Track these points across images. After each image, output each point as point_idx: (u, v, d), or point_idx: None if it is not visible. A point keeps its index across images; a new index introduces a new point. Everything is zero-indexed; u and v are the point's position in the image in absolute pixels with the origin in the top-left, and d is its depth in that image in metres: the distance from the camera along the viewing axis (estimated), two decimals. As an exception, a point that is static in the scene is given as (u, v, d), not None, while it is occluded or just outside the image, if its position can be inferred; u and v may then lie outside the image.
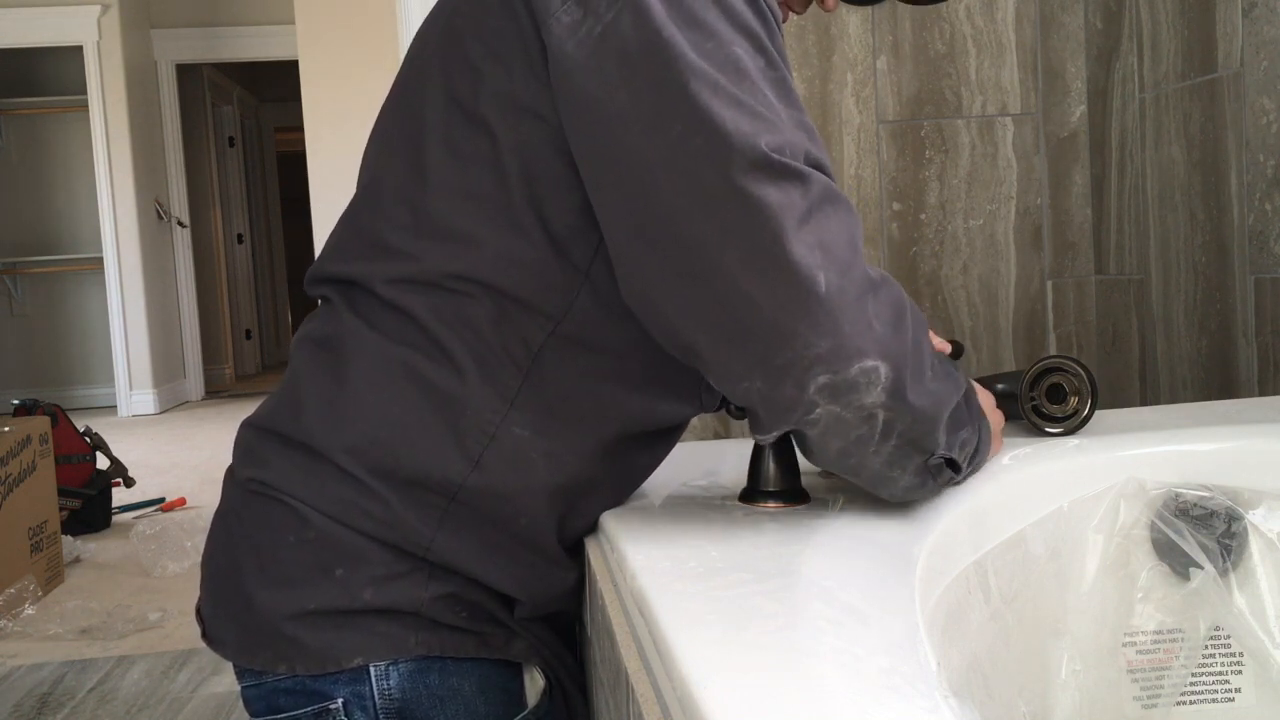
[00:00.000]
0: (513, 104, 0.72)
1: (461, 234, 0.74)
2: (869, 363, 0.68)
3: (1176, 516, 0.93)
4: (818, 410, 0.69)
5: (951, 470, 0.80)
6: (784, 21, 0.77)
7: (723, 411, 0.85)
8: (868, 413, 0.70)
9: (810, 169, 0.67)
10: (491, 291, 0.74)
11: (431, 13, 0.81)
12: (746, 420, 0.80)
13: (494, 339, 0.75)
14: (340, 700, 0.77)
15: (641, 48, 0.66)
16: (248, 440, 0.82)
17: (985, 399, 0.91)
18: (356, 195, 0.82)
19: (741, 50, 0.67)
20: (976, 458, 0.84)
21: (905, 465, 0.76)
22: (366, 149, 0.84)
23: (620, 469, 0.83)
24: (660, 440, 0.85)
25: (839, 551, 0.71)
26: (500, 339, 0.75)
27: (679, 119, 0.65)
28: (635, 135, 0.66)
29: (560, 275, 0.74)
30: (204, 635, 0.82)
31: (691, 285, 0.67)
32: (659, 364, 0.77)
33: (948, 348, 0.94)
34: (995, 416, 0.92)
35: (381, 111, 0.83)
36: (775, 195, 0.64)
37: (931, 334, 0.96)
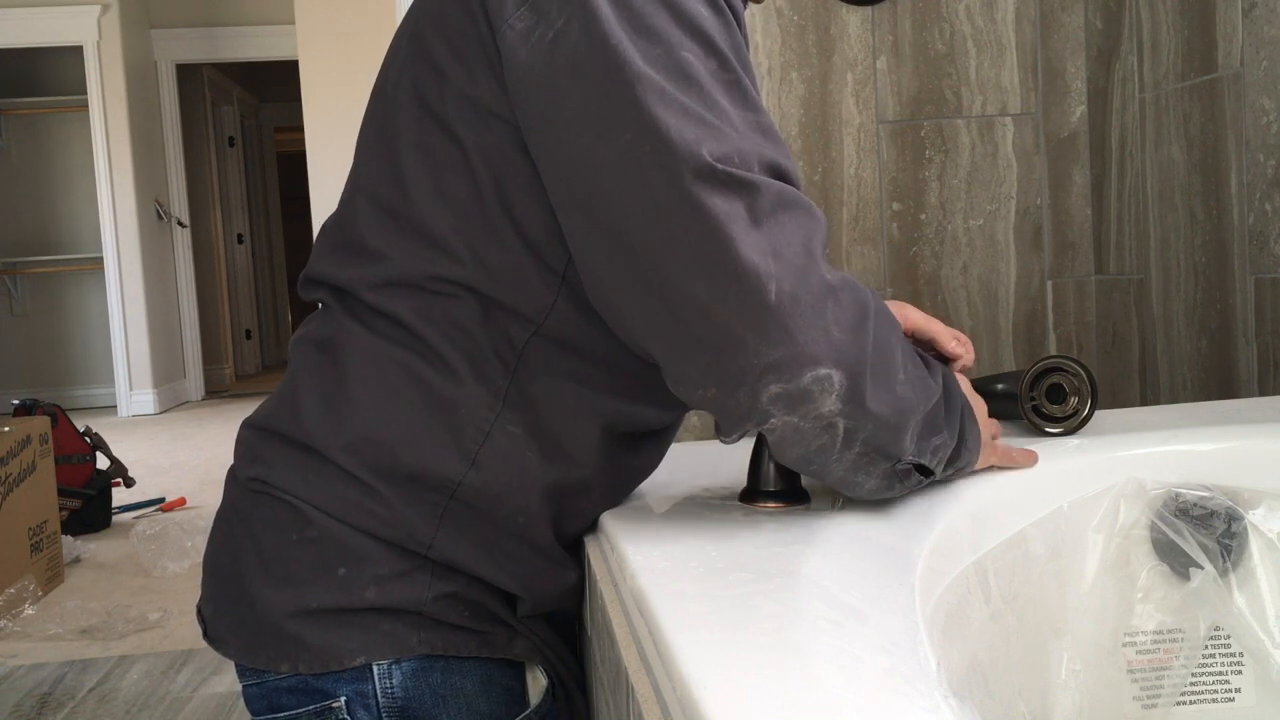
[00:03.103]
0: (478, 108, 0.73)
1: (439, 238, 0.75)
2: (822, 371, 0.67)
3: (1176, 516, 0.93)
4: (773, 420, 0.69)
5: (921, 474, 0.78)
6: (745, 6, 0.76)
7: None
8: (826, 421, 0.69)
9: (761, 177, 0.66)
10: (474, 293, 0.75)
11: (404, 18, 0.82)
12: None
13: (482, 338, 0.75)
14: (343, 699, 0.77)
15: (591, 55, 0.66)
16: (248, 440, 0.82)
17: (977, 404, 0.89)
18: (341, 199, 0.83)
19: (691, 55, 0.67)
20: (957, 461, 0.82)
21: (870, 471, 0.75)
22: (354, 155, 0.84)
23: (612, 470, 0.83)
24: (650, 442, 0.85)
25: (839, 551, 0.71)
26: (488, 338, 0.75)
27: (627, 127, 0.65)
28: (586, 142, 0.67)
29: (538, 278, 0.75)
30: (205, 634, 0.82)
31: (644, 293, 0.67)
32: (642, 368, 0.77)
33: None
34: (987, 431, 0.88)
35: (364, 117, 0.84)
36: (721, 205, 0.64)
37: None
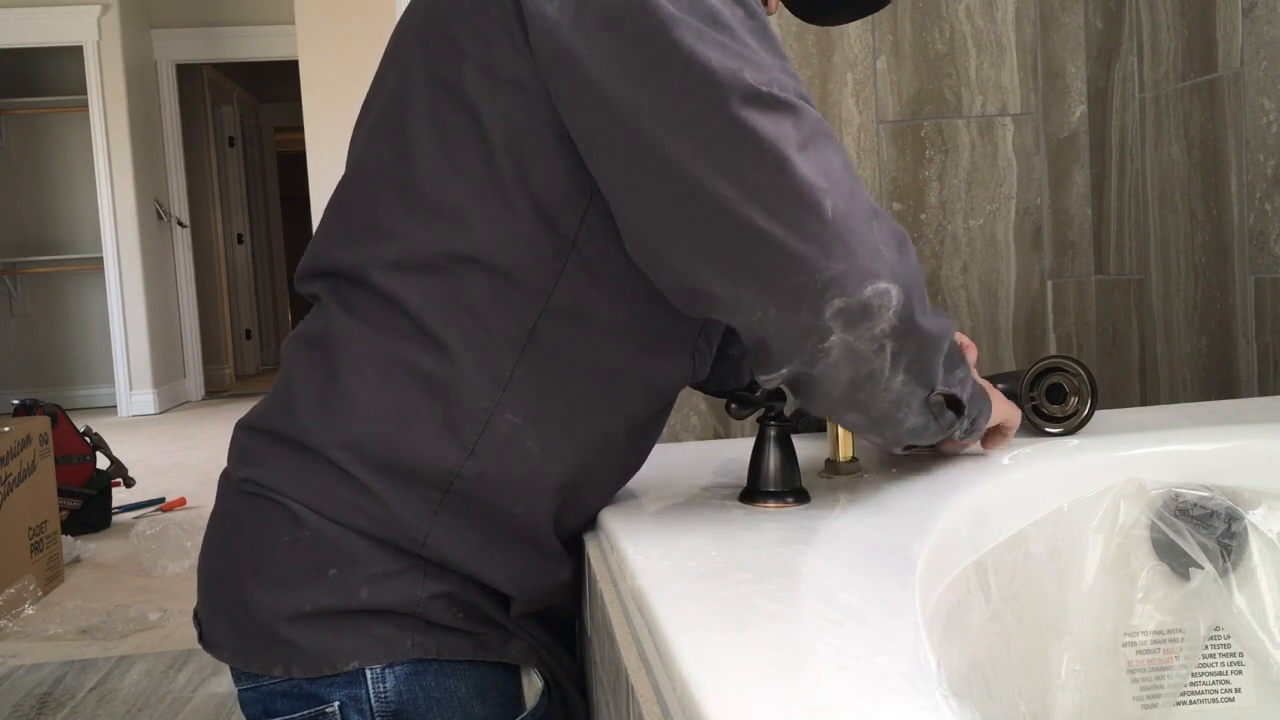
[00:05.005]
0: (495, 77, 0.73)
1: (450, 210, 0.75)
2: (881, 284, 0.69)
3: (1176, 516, 0.93)
4: (832, 338, 0.70)
5: (954, 411, 0.81)
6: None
7: (724, 411, 0.85)
8: (878, 344, 0.71)
9: (800, 101, 0.68)
10: (483, 269, 0.75)
11: (406, 10, 0.83)
12: (737, 417, 0.80)
13: (489, 320, 0.75)
14: (336, 703, 0.77)
15: (622, 5, 0.67)
16: (242, 441, 0.82)
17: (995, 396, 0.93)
18: (341, 186, 0.82)
19: (718, 3, 0.69)
20: (975, 405, 0.85)
21: (910, 403, 0.77)
22: (349, 148, 0.84)
23: (611, 457, 0.83)
24: (651, 426, 0.86)
25: (839, 551, 0.71)
26: (495, 319, 0.75)
27: (666, 66, 0.66)
28: (625, 90, 0.67)
29: (549, 247, 0.75)
30: (201, 638, 0.82)
31: (696, 226, 0.68)
32: (651, 328, 0.79)
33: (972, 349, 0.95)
34: (1004, 406, 0.93)
35: (362, 110, 0.84)
36: (769, 126, 0.66)
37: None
